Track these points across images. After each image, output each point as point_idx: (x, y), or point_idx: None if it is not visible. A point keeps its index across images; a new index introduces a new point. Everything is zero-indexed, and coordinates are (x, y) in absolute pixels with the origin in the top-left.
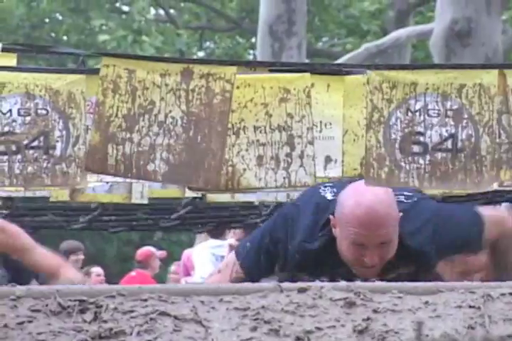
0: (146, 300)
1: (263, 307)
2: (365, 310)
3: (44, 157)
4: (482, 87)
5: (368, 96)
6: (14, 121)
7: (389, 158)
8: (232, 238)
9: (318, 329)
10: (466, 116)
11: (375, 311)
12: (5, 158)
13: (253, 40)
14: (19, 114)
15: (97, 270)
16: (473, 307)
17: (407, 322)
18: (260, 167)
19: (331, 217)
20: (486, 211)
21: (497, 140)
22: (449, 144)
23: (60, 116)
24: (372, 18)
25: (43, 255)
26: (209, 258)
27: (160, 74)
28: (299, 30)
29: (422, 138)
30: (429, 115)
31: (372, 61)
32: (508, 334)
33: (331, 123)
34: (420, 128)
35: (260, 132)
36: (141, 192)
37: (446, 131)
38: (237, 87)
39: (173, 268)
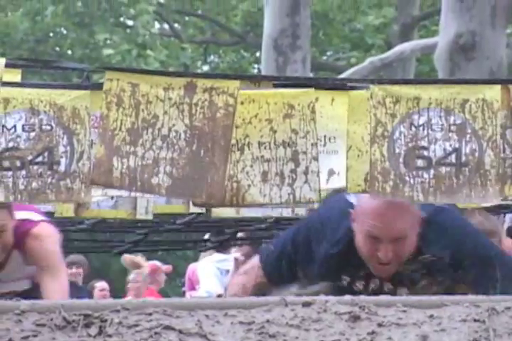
0: (150, 314)
1: (268, 321)
2: (370, 324)
3: (48, 172)
4: (485, 101)
5: (372, 111)
6: (19, 136)
7: (393, 172)
8: (237, 252)
9: None
10: (469, 130)
11: (379, 325)
12: (9, 173)
13: (257, 54)
14: (24, 130)
15: (101, 284)
16: (478, 320)
17: (412, 336)
18: (265, 183)
19: (351, 210)
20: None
21: (501, 154)
22: (453, 158)
23: (65, 131)
24: (377, 32)
25: (52, 285)
26: (214, 272)
27: (163, 88)
28: (303, 44)
29: (426, 153)
30: (432, 130)
31: (377, 75)
32: None
33: (334, 137)
34: (424, 143)
35: (265, 148)
36: (146, 207)
37: (450, 145)
38: (242, 103)
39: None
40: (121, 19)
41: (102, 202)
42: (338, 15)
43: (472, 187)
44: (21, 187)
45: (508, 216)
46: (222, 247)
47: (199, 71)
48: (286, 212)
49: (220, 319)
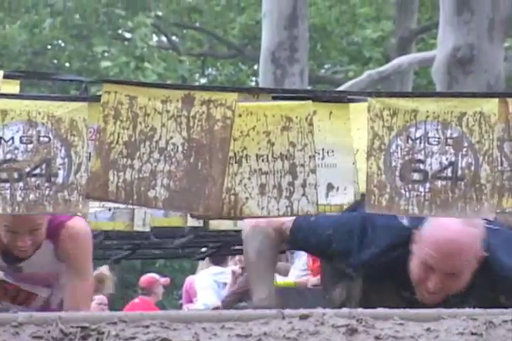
0: (147, 326)
1: (265, 333)
2: (367, 337)
3: (46, 184)
4: (482, 115)
5: (369, 124)
6: (16, 148)
7: (389, 185)
8: (235, 265)
9: None
10: (466, 144)
11: (377, 338)
12: (7, 185)
13: (255, 67)
14: (21, 142)
15: (99, 298)
16: (475, 334)
17: None
18: (263, 195)
19: (414, 230)
20: None
21: (499, 167)
22: (448, 172)
23: (62, 143)
24: (375, 45)
25: (75, 291)
26: (211, 285)
27: (161, 100)
28: (301, 57)
29: (422, 166)
30: (429, 143)
31: (375, 88)
32: None
33: (333, 151)
34: (420, 156)
35: (262, 161)
36: (144, 219)
37: (447, 159)
38: (240, 115)
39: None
40: (119, 32)
41: (99, 214)
42: (336, 28)
43: (467, 201)
44: (19, 198)
45: None
46: (218, 257)
47: (197, 84)
48: None
49: (217, 331)
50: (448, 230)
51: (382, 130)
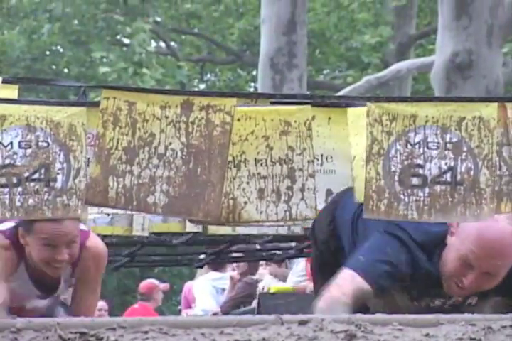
0: (146, 332)
1: (264, 339)
2: None
3: (45, 189)
4: (481, 119)
5: (368, 129)
6: (15, 153)
7: (388, 190)
8: (233, 271)
9: None
10: (465, 149)
11: None
12: (6, 190)
13: (254, 72)
14: (20, 147)
15: (99, 304)
16: (474, 339)
17: None
18: (261, 200)
19: (453, 223)
20: None
21: (497, 172)
22: (448, 177)
23: (61, 148)
24: (373, 51)
25: (90, 301)
26: (210, 290)
27: (160, 106)
28: (299, 62)
29: (421, 171)
30: (428, 148)
31: (373, 93)
32: None
33: (331, 157)
34: (419, 161)
35: (261, 165)
36: (142, 224)
37: (446, 163)
38: (238, 120)
39: None
40: (118, 37)
41: (98, 219)
42: (335, 33)
43: (467, 205)
44: (18, 203)
45: None
46: (217, 263)
47: (196, 89)
48: (282, 229)
49: (216, 337)
50: (494, 227)
51: (381, 135)
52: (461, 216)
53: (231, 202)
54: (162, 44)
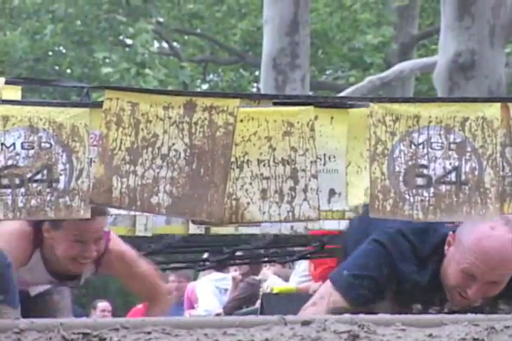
0: (149, 332)
1: (267, 339)
2: None
3: (47, 190)
4: (485, 120)
5: (372, 129)
6: (18, 154)
7: (393, 190)
8: (236, 271)
9: None
10: (469, 149)
11: None
12: (8, 191)
13: (257, 73)
14: (23, 148)
15: (103, 305)
16: (477, 339)
17: None
18: (264, 200)
19: (450, 233)
20: None
21: (501, 173)
22: (452, 177)
23: (64, 149)
24: (376, 51)
25: (145, 283)
26: (213, 291)
27: (163, 106)
28: (302, 63)
29: (425, 171)
30: (432, 148)
31: (376, 94)
32: None
33: (334, 156)
34: (424, 161)
35: (264, 166)
36: (145, 224)
37: (450, 163)
38: (241, 121)
39: None
40: (121, 38)
41: None
42: (337, 34)
43: (472, 205)
44: (20, 204)
45: None
46: (220, 266)
47: (198, 90)
48: (285, 229)
49: (219, 338)
50: (493, 236)
51: (384, 135)
52: (466, 215)
53: (234, 202)
54: (165, 44)
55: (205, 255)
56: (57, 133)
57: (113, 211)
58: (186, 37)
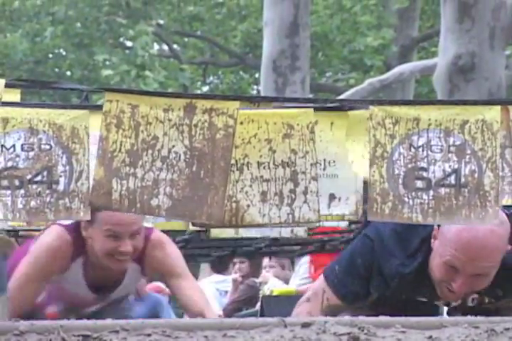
0: (149, 335)
1: None
2: None
3: (47, 192)
4: (485, 122)
5: (371, 132)
6: (17, 156)
7: (392, 193)
8: (236, 273)
9: None
10: (469, 151)
11: None
12: (8, 192)
13: (257, 75)
14: (22, 149)
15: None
16: None
17: None
18: (264, 203)
19: (435, 226)
20: None
21: (500, 173)
22: (452, 179)
23: (64, 151)
24: (376, 54)
25: (191, 290)
26: (213, 293)
27: (163, 109)
28: (302, 65)
29: (425, 174)
30: (432, 151)
31: (376, 96)
32: None
33: (334, 161)
34: (423, 164)
35: (264, 168)
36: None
37: (450, 166)
38: (241, 123)
39: None
40: (121, 40)
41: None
42: (338, 36)
43: (471, 208)
44: (20, 206)
45: None
46: (220, 266)
47: (198, 92)
48: (285, 232)
49: (219, 340)
50: (475, 231)
51: (384, 138)
52: (466, 218)
53: (234, 205)
54: (165, 47)
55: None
56: (57, 135)
57: None
58: (186, 39)
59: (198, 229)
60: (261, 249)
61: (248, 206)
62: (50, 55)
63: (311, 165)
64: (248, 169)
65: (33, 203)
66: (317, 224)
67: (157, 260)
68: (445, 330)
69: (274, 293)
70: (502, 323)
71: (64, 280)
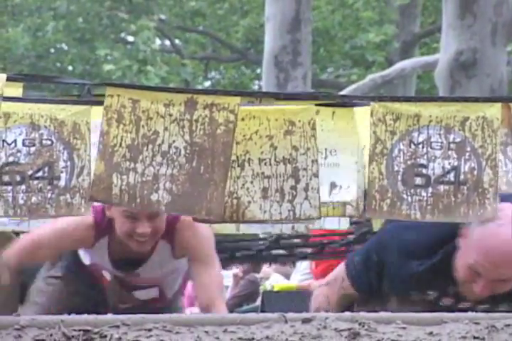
0: (150, 330)
1: (267, 337)
2: None
3: (48, 187)
4: (485, 120)
5: (372, 128)
6: (19, 151)
7: (391, 189)
8: (237, 269)
9: None
10: (469, 148)
11: None
12: (9, 188)
13: (258, 70)
14: (24, 145)
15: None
16: (478, 338)
17: None
18: (265, 199)
19: (465, 224)
20: None
21: (504, 168)
22: (451, 177)
23: (65, 146)
24: (378, 49)
25: (209, 279)
26: None
27: (164, 104)
28: (304, 60)
29: (424, 171)
30: (432, 147)
31: (378, 92)
32: None
33: (335, 150)
34: (423, 161)
35: (265, 164)
36: None
37: (449, 163)
38: (242, 119)
39: None
40: (122, 35)
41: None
42: (339, 32)
43: (470, 206)
44: (21, 201)
45: None
46: (220, 261)
47: (200, 87)
48: (287, 229)
49: (220, 335)
50: (499, 237)
51: (384, 134)
52: (464, 216)
53: (235, 201)
54: (167, 42)
55: None
56: (58, 130)
57: None
58: (188, 34)
59: None
60: (261, 252)
61: (249, 202)
62: (52, 50)
63: (313, 161)
64: (249, 165)
65: (34, 199)
66: (317, 226)
67: (187, 240)
68: (446, 326)
69: (275, 289)
70: (502, 319)
71: (93, 257)
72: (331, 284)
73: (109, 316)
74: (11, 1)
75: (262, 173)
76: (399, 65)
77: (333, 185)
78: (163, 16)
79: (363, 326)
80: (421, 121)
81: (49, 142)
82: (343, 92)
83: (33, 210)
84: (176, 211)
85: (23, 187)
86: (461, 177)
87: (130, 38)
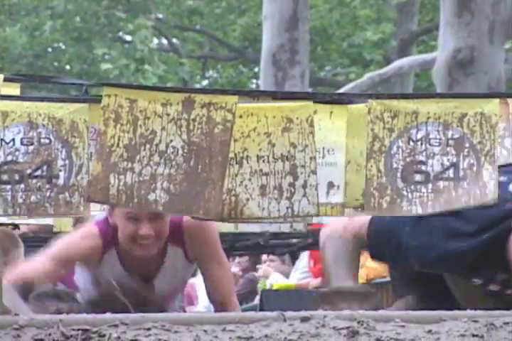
0: (149, 329)
1: (266, 336)
2: (369, 339)
3: (47, 186)
4: (483, 116)
5: (369, 126)
6: (17, 150)
7: (390, 187)
8: (236, 267)
9: None
10: (467, 145)
11: (378, 340)
12: (8, 187)
13: (256, 69)
14: (22, 143)
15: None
16: (477, 335)
17: None
18: (263, 197)
19: None
20: None
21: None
22: (450, 173)
23: (63, 145)
24: (375, 48)
25: (219, 278)
26: None
27: (161, 103)
28: (301, 59)
29: (423, 167)
30: (430, 144)
31: (375, 90)
32: None
33: (333, 150)
34: (422, 158)
35: (263, 161)
36: None
37: (448, 160)
38: (240, 116)
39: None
40: (120, 34)
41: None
42: (337, 30)
43: (471, 196)
44: (20, 200)
45: None
46: None
47: (198, 86)
48: (285, 227)
49: (219, 334)
50: None
51: (382, 132)
52: (465, 204)
53: (233, 198)
54: (164, 41)
55: None
56: (56, 128)
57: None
58: (186, 33)
59: None
60: (259, 244)
61: (247, 200)
62: (49, 49)
63: (311, 158)
64: (247, 163)
65: (33, 198)
66: (316, 220)
67: (198, 241)
68: (444, 324)
69: (274, 287)
70: (501, 317)
71: (106, 273)
72: (354, 220)
73: (108, 315)
74: (8, 1)
75: (260, 170)
76: (397, 63)
77: (330, 185)
78: (160, 15)
79: (362, 324)
80: (419, 118)
81: (47, 140)
82: (340, 91)
83: (32, 209)
84: (173, 211)
85: (22, 186)
86: (461, 173)
87: (128, 37)
